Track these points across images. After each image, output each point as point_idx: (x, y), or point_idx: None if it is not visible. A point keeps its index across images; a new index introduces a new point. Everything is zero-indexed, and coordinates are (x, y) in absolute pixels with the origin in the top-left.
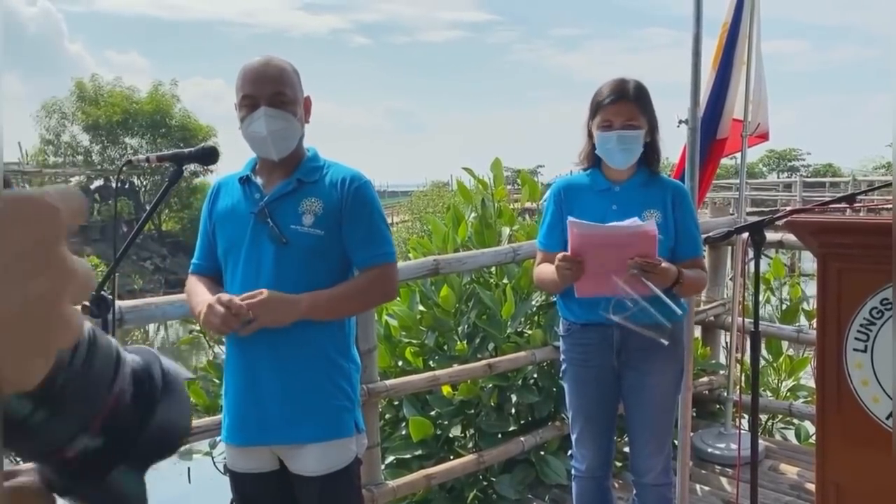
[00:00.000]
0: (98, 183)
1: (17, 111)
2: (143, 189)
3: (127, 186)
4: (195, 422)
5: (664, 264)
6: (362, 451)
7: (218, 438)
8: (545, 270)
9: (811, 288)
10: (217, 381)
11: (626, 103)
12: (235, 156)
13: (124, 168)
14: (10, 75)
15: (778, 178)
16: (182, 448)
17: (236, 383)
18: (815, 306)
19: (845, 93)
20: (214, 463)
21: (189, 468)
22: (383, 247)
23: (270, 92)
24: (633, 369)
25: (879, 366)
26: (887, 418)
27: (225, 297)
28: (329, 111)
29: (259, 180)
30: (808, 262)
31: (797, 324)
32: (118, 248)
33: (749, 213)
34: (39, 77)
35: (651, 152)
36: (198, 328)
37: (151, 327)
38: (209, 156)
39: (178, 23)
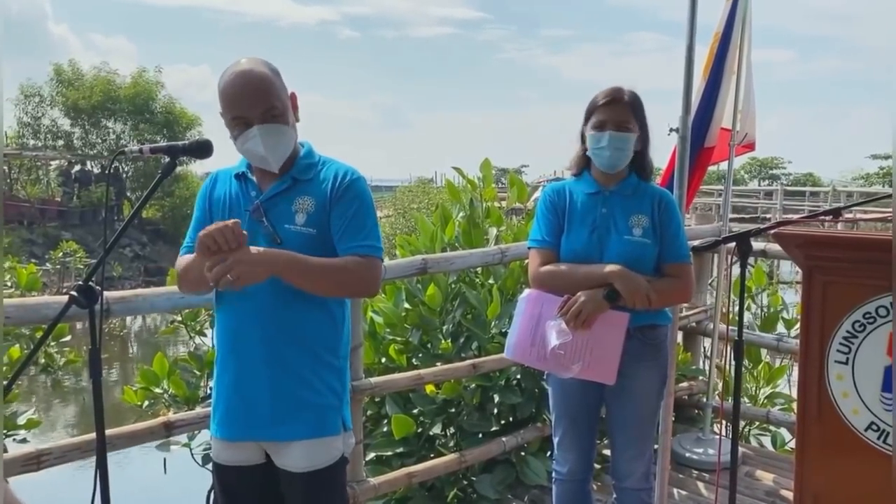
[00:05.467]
0: (79, 168)
1: None
2: (126, 175)
3: (107, 171)
4: (177, 415)
5: (580, 302)
6: (349, 450)
7: (197, 431)
8: (560, 271)
9: (789, 296)
10: (198, 373)
11: (620, 105)
12: (221, 144)
13: (117, 158)
14: None
15: (759, 185)
16: (161, 440)
17: (226, 377)
18: (793, 315)
19: (828, 104)
20: (193, 455)
21: (165, 459)
22: (369, 240)
23: (262, 110)
24: (617, 374)
25: (860, 378)
26: (866, 430)
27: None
28: (315, 103)
29: (255, 178)
30: (787, 271)
31: (776, 332)
32: (107, 239)
33: (730, 220)
34: (21, 59)
35: (642, 162)
36: (179, 318)
37: (129, 317)
38: (203, 149)
39: (165, 8)
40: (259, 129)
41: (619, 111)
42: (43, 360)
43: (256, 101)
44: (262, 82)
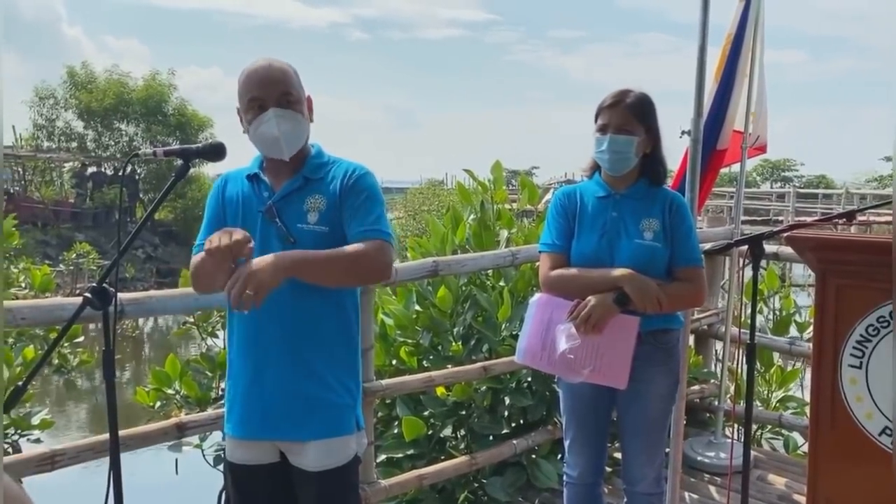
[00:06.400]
0: (92, 169)
1: (12, 95)
2: (139, 177)
3: (121, 174)
4: (190, 416)
5: (590, 305)
6: (362, 450)
7: (208, 432)
8: (570, 275)
9: (802, 299)
10: (210, 374)
11: (621, 108)
12: (232, 147)
13: (131, 160)
14: (5, 58)
15: (771, 187)
16: (173, 441)
17: (243, 377)
18: (806, 318)
19: (840, 105)
20: (204, 455)
21: (177, 459)
22: (376, 224)
23: (278, 93)
24: (629, 379)
25: (874, 382)
26: (880, 434)
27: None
28: (325, 104)
29: (267, 179)
30: (800, 274)
31: (789, 335)
32: (121, 241)
33: (742, 222)
34: (36, 61)
35: (653, 164)
36: (191, 320)
37: (141, 318)
38: (217, 152)
39: (176, 10)
40: (274, 112)
41: (620, 114)
42: (56, 361)
43: (274, 84)
44: (281, 72)
